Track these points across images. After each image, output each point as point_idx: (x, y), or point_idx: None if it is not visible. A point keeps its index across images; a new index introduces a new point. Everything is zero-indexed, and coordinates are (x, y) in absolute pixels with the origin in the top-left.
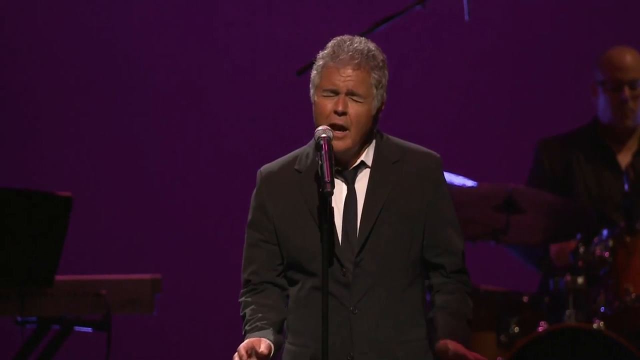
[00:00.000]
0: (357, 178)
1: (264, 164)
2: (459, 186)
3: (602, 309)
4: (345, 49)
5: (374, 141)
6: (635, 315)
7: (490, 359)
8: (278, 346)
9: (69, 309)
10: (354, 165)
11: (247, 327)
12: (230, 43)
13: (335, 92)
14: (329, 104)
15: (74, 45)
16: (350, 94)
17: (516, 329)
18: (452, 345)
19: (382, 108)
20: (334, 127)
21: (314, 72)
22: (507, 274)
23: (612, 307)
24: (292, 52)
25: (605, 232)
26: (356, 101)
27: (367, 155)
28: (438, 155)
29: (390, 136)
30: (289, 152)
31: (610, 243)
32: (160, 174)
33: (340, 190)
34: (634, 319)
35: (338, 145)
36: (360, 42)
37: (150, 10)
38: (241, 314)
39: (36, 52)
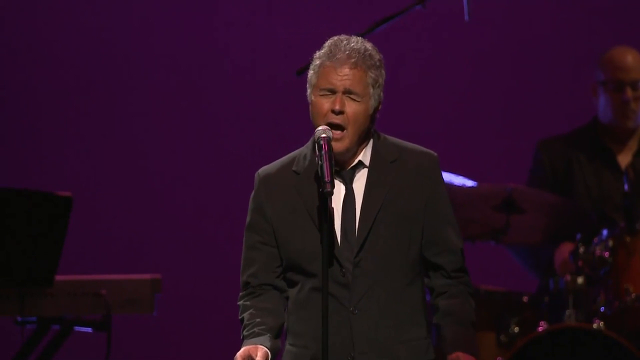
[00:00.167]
0: (355, 178)
1: (264, 164)
2: (459, 186)
3: (602, 309)
4: (342, 48)
5: (371, 141)
6: (635, 315)
7: (490, 359)
8: (275, 352)
9: (69, 309)
10: (352, 165)
11: (244, 333)
12: (230, 43)
13: (333, 91)
14: (326, 103)
15: (74, 45)
16: (347, 92)
17: (516, 329)
18: (464, 358)
19: (379, 108)
20: (331, 126)
21: (310, 72)
22: (507, 274)
23: (612, 307)
24: (292, 52)
25: (605, 232)
26: (353, 100)
27: (365, 155)
28: (435, 154)
29: (387, 136)
30: (289, 152)
31: (610, 243)
32: (160, 174)
33: (338, 190)
34: (634, 319)
35: (336, 146)
36: (357, 42)
37: (150, 10)
38: (239, 317)
39: (36, 52)
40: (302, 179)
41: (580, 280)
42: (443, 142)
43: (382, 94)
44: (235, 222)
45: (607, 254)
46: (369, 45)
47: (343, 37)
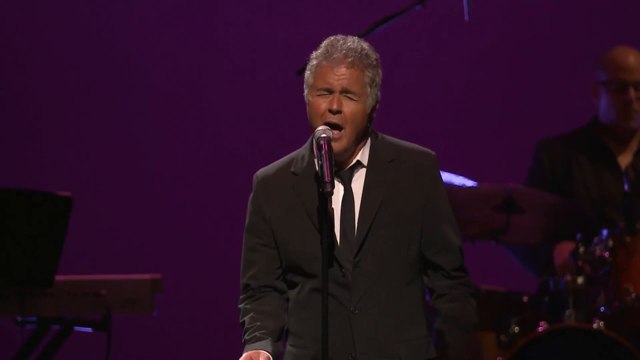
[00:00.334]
0: (354, 178)
1: (264, 164)
2: (459, 186)
3: (602, 309)
4: (339, 48)
5: (369, 141)
6: (635, 315)
7: (490, 359)
8: (276, 356)
9: (69, 309)
10: (350, 165)
11: (246, 337)
12: (230, 43)
13: (330, 91)
14: (323, 103)
15: (74, 45)
16: (344, 92)
17: (516, 329)
18: None
19: (377, 107)
20: (329, 126)
21: (307, 72)
22: (507, 274)
23: (612, 307)
24: (292, 52)
25: (605, 232)
26: (351, 99)
27: (363, 155)
28: (433, 153)
29: (385, 135)
30: (289, 152)
31: (610, 243)
32: (160, 174)
33: (337, 190)
34: (634, 319)
35: (334, 146)
36: (353, 41)
37: (150, 10)
38: (240, 321)
39: (36, 52)
40: (301, 180)
41: (580, 280)
42: (443, 142)
43: (379, 93)
44: (235, 222)
45: (607, 254)
46: (365, 45)
47: (339, 36)
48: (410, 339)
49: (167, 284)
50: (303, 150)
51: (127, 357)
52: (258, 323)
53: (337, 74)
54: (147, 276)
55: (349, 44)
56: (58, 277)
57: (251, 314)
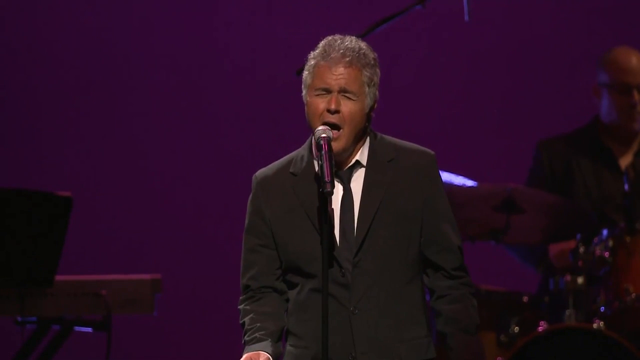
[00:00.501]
0: (353, 178)
1: (263, 164)
2: (459, 186)
3: (602, 309)
4: (337, 48)
5: (368, 140)
6: (635, 315)
7: (491, 359)
8: (276, 357)
9: (69, 309)
10: (349, 165)
11: (246, 338)
12: (230, 43)
13: (328, 91)
14: (321, 103)
15: (74, 45)
16: (342, 91)
17: (516, 329)
18: None
19: (375, 107)
20: (327, 126)
21: (305, 72)
22: (507, 274)
23: (612, 307)
24: (292, 52)
25: (605, 232)
26: (349, 99)
27: (362, 155)
28: (432, 152)
29: (383, 135)
30: (289, 152)
31: (610, 243)
32: (160, 174)
33: (336, 190)
34: (634, 319)
35: (333, 146)
36: (351, 41)
37: (150, 10)
38: (240, 322)
39: (36, 52)
40: (300, 181)
41: (580, 280)
42: (443, 142)
43: (377, 92)
44: (235, 222)
45: (607, 254)
46: (363, 44)
47: (337, 36)
48: (410, 338)
49: (167, 284)
50: (302, 150)
51: (127, 357)
52: (258, 324)
53: (335, 73)
54: (147, 276)
55: (346, 43)
56: (58, 277)
57: (251, 315)
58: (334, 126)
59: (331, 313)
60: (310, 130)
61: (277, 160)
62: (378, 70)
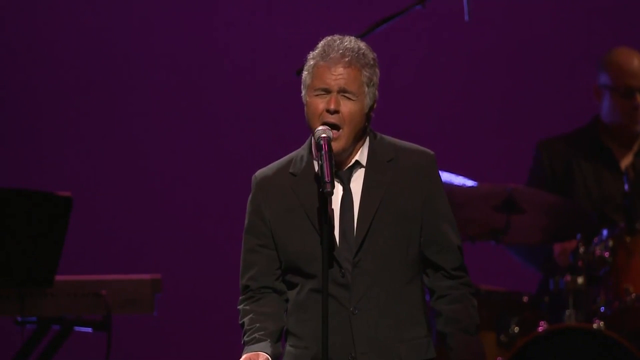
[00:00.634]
0: (352, 178)
1: (263, 164)
2: (459, 186)
3: (602, 309)
4: (336, 48)
5: (367, 140)
6: (635, 315)
7: (491, 359)
8: (276, 357)
9: (69, 309)
10: (349, 166)
11: (245, 338)
12: (230, 43)
13: (327, 91)
14: (321, 103)
15: (74, 45)
16: (342, 91)
17: (516, 329)
18: None
19: (375, 107)
20: (326, 126)
21: (305, 73)
22: (507, 274)
23: (612, 307)
24: (292, 52)
25: (605, 232)
26: (348, 99)
27: (362, 155)
28: (432, 152)
29: (383, 135)
30: (289, 152)
31: (610, 243)
32: (160, 174)
33: (336, 190)
34: (634, 319)
35: (332, 146)
36: (350, 41)
37: (150, 10)
38: (240, 322)
39: (36, 52)
40: (300, 181)
41: (580, 280)
42: (443, 142)
43: (377, 92)
44: (235, 222)
45: (607, 254)
46: (362, 45)
47: (336, 36)
48: (410, 338)
49: (167, 284)
50: (302, 150)
51: (127, 357)
52: (257, 324)
53: (335, 73)
54: (147, 276)
55: (345, 43)
56: (58, 277)
57: (250, 315)
58: (333, 126)
59: (331, 313)
60: (310, 131)
61: (277, 160)
62: (377, 70)
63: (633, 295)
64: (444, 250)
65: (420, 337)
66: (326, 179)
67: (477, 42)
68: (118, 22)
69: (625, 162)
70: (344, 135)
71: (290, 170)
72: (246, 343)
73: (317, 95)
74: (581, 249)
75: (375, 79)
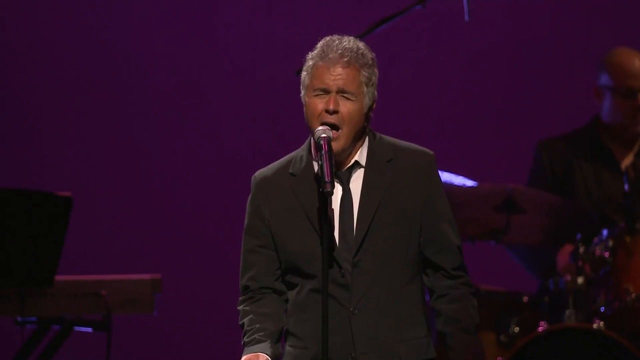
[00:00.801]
0: (352, 178)
1: (263, 164)
2: (459, 186)
3: (602, 309)
4: (335, 48)
5: (367, 140)
6: (635, 315)
7: (491, 359)
8: (276, 358)
9: (69, 309)
10: (348, 166)
11: (245, 339)
12: (230, 43)
13: (326, 91)
14: (320, 104)
15: (74, 45)
16: (341, 92)
17: (516, 329)
18: None
19: (374, 107)
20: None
21: (303, 73)
22: (507, 274)
23: (612, 307)
24: (292, 52)
25: (605, 232)
26: (347, 99)
27: (361, 155)
28: (432, 152)
29: (382, 135)
30: (289, 152)
31: (610, 243)
32: (160, 174)
33: (335, 191)
34: (634, 319)
35: (332, 146)
36: (349, 41)
37: (150, 10)
38: (240, 323)
39: (36, 52)
40: (299, 181)
41: (580, 280)
42: (443, 142)
43: (376, 92)
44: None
45: (607, 254)
46: (361, 44)
47: (335, 37)
48: (410, 338)
49: (167, 284)
50: (301, 151)
51: (127, 357)
52: (257, 325)
53: (333, 74)
54: (147, 276)
55: (344, 43)
56: (58, 277)
57: (250, 316)
58: (332, 126)
59: (331, 313)
60: (309, 131)
61: (276, 160)
62: (376, 70)
63: (633, 295)
64: (443, 250)
65: (420, 337)
66: (326, 179)
67: (477, 42)
68: (118, 22)
69: (626, 162)
70: (343, 136)
71: (290, 171)
72: (246, 344)
73: (316, 95)
74: (581, 249)
75: (374, 79)
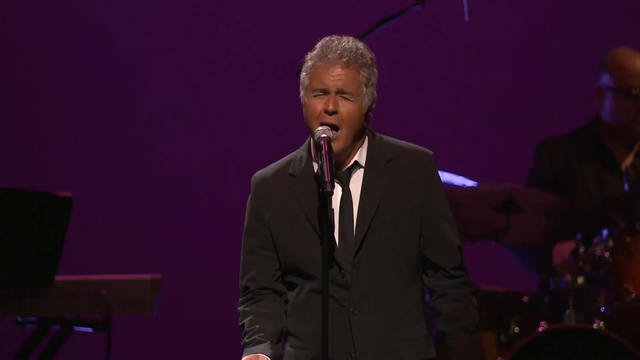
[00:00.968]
0: (352, 179)
1: (263, 165)
2: (459, 186)
3: (602, 309)
4: (334, 49)
5: (366, 141)
6: (635, 315)
7: (491, 359)
8: (276, 359)
9: (69, 309)
10: (348, 166)
11: (245, 340)
12: (230, 43)
13: (326, 92)
14: (319, 104)
15: (74, 45)
16: (340, 92)
17: (516, 329)
18: None
19: (373, 107)
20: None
21: (303, 74)
22: (507, 274)
23: (612, 307)
24: (292, 52)
25: (605, 232)
26: (347, 99)
27: (360, 155)
28: (431, 152)
29: (382, 135)
30: (289, 152)
31: (610, 243)
32: (161, 174)
33: (335, 191)
34: (634, 319)
35: (332, 146)
36: (348, 41)
37: (150, 10)
38: (240, 323)
39: (36, 52)
40: (299, 182)
41: (580, 280)
42: (443, 142)
43: (375, 92)
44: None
45: (607, 254)
46: (360, 45)
47: (334, 37)
48: (410, 338)
49: (167, 284)
50: (301, 151)
51: (127, 357)
52: (257, 326)
53: (333, 74)
54: (147, 276)
55: (343, 44)
56: (58, 277)
57: (250, 317)
58: (332, 127)
59: (331, 314)
60: (309, 132)
61: (276, 160)
62: (376, 70)
63: (633, 295)
64: (443, 250)
65: (420, 337)
66: (326, 179)
67: (477, 42)
68: (118, 22)
69: (626, 162)
70: (343, 136)
71: (290, 171)
72: (246, 344)
73: (315, 96)
74: (581, 249)
75: (374, 79)
